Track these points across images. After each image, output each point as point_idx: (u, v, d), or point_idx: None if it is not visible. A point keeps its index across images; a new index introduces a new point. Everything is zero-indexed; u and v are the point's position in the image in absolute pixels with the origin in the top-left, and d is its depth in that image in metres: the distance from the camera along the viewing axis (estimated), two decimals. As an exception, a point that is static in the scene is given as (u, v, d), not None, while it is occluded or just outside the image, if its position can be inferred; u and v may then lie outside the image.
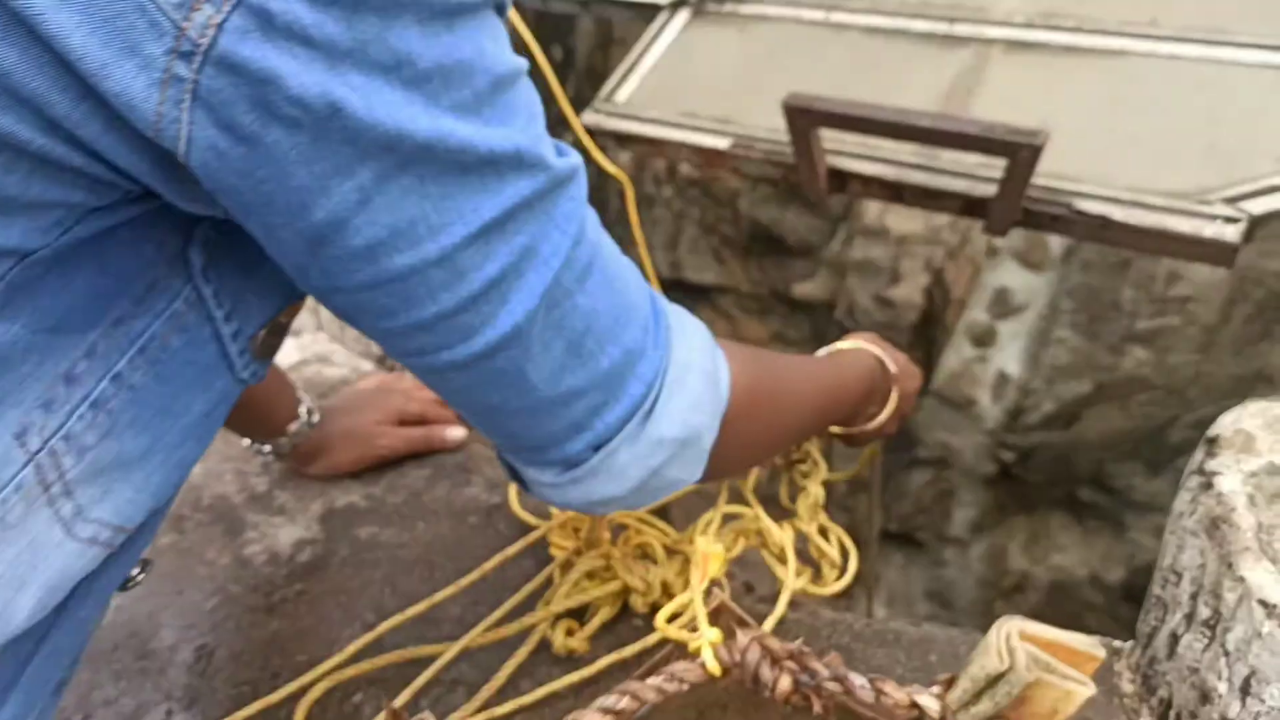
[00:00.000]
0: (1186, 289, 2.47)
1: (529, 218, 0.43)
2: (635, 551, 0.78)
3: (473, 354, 0.44)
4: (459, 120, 0.39)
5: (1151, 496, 2.64)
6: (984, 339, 2.70)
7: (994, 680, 0.47)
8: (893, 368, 0.79)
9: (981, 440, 2.74)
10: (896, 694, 0.48)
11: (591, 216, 0.48)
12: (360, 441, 0.85)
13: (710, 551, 0.60)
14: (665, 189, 2.77)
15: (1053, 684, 0.49)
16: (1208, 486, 0.63)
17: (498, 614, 0.73)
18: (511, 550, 0.77)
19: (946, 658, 0.71)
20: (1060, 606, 2.71)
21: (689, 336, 0.53)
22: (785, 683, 0.50)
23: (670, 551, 0.78)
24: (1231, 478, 0.62)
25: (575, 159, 0.46)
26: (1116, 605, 2.66)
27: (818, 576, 0.79)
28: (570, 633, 0.72)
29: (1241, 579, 0.57)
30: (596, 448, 0.50)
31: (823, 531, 0.81)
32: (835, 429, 0.81)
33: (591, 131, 1.15)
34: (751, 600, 0.78)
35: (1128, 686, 0.67)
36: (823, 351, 0.80)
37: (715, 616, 0.58)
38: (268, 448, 0.83)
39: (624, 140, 1.15)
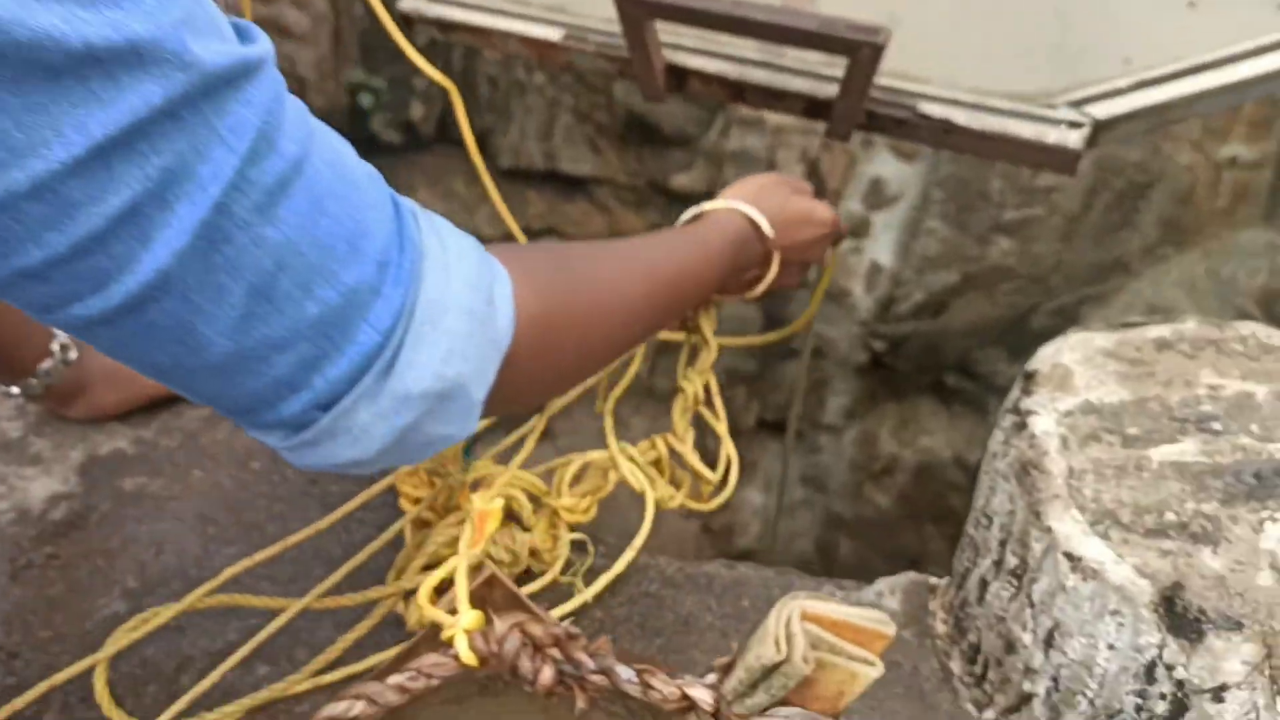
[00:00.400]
0: (1051, 179, 2.47)
1: (172, 132, 0.32)
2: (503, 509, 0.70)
3: (112, 308, 0.34)
4: (35, 3, 0.28)
5: (1012, 381, 2.70)
6: (859, 230, 2.67)
7: (770, 671, 0.42)
8: (767, 227, 0.68)
9: (855, 331, 2.74)
10: (666, 687, 0.43)
11: (292, 120, 0.37)
12: (126, 379, 0.74)
13: (487, 511, 0.53)
14: (537, 75, 2.62)
15: (837, 666, 0.44)
16: (1021, 427, 0.58)
17: (335, 577, 0.65)
18: (355, 504, 0.69)
19: (760, 602, 0.66)
20: (926, 487, 2.78)
21: (450, 266, 0.43)
22: (547, 675, 0.43)
23: (539, 506, 0.71)
24: (1046, 418, 0.57)
25: (258, 48, 0.35)
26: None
27: (697, 490, 0.74)
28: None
29: (1049, 529, 0.53)
30: (325, 407, 0.41)
31: (708, 429, 0.74)
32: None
33: (411, 19, 1.02)
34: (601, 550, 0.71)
35: (941, 627, 0.64)
36: (688, 214, 0.70)
37: (487, 590, 0.51)
38: (15, 390, 0.72)
39: (447, 29, 1.02)
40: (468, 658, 0.45)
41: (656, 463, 0.73)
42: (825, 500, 2.84)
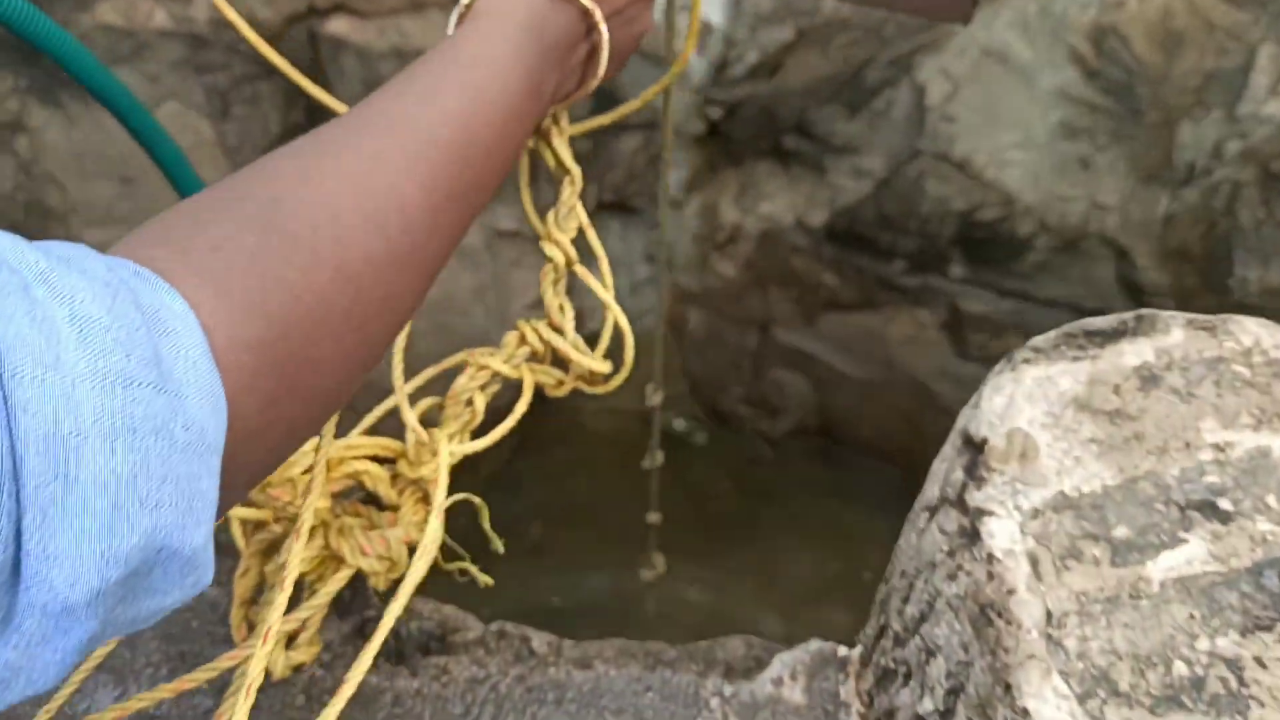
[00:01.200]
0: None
1: None
2: (350, 488, 0.50)
3: None
4: None
5: (849, 139, 2.53)
6: (684, -13, 2.36)
7: None
8: None
9: (689, 99, 2.51)
10: None
11: None
12: None
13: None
14: None
15: None
16: (973, 538, 0.40)
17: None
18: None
19: (629, 717, 0.50)
20: (770, 253, 2.68)
21: (63, 353, 0.20)
22: None
23: (395, 478, 0.51)
24: (1007, 523, 0.39)
25: None
26: (820, 245, 2.64)
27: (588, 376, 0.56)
28: (291, 639, 0.47)
29: (1024, 712, 0.37)
30: None
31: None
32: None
33: None
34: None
35: (857, 722, 0.49)
36: (454, 16, 0.46)
37: None
38: None
39: None
40: None
41: (534, 355, 0.55)
42: (671, 275, 2.72)
